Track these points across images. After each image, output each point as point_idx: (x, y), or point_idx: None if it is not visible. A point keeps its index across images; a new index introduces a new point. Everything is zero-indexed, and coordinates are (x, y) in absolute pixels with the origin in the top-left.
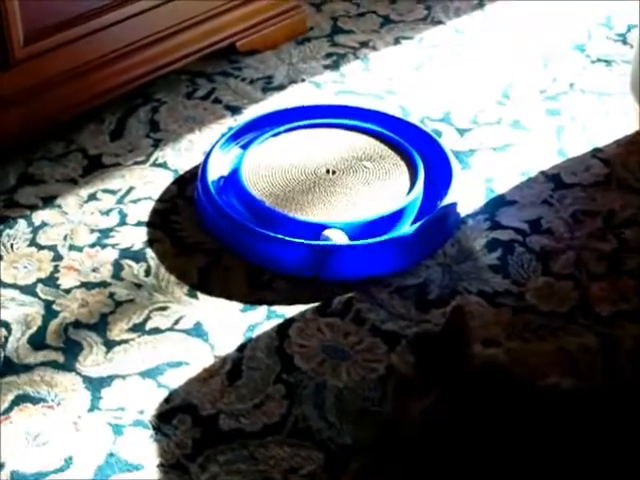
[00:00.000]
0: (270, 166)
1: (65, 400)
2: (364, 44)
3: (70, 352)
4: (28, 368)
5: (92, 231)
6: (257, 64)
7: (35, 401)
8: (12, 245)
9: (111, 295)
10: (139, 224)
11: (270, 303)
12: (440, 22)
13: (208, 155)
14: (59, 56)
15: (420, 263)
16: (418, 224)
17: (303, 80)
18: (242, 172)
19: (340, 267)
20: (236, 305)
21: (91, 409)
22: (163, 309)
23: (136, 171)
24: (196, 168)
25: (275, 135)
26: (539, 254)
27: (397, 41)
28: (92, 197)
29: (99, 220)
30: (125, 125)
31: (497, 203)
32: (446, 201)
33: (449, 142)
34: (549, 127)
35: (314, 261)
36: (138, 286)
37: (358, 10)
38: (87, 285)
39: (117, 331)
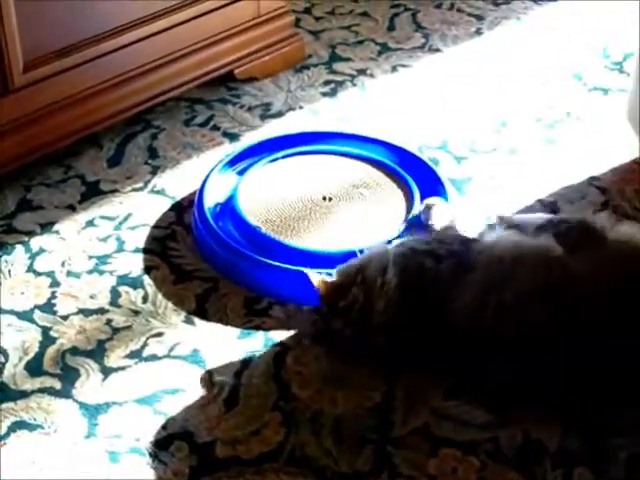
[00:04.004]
0: (266, 192)
1: (61, 427)
2: (362, 72)
3: (67, 379)
4: (25, 394)
5: (90, 257)
6: (255, 91)
7: (32, 428)
8: (10, 271)
9: (108, 322)
10: (137, 251)
11: (267, 330)
12: (438, 50)
13: (205, 181)
14: (58, 83)
15: None
16: None
17: (301, 107)
18: (238, 198)
19: None
20: (233, 332)
21: (87, 436)
22: (160, 336)
23: (134, 198)
24: (194, 195)
25: (272, 162)
26: None
27: (395, 69)
28: (90, 223)
29: (97, 246)
30: (124, 152)
31: None
32: None
33: (446, 170)
34: (545, 155)
35: (310, 287)
36: (135, 313)
37: (356, 38)
38: (84, 311)
39: (114, 358)
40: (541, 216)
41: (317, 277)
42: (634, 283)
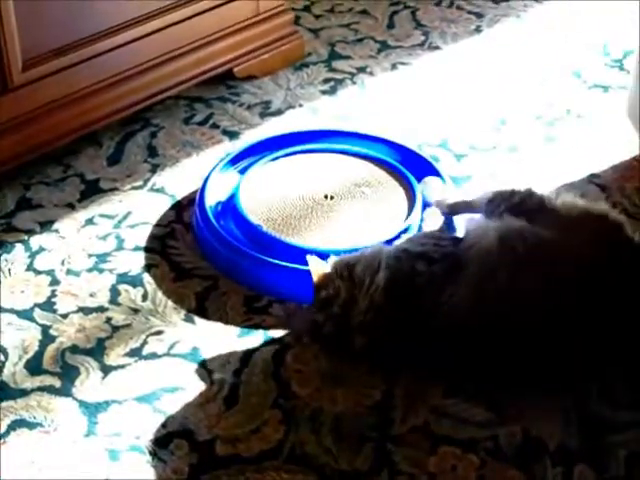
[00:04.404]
0: (268, 191)
1: (61, 425)
2: (361, 69)
3: (67, 377)
4: (25, 393)
5: (89, 256)
6: (255, 89)
7: (32, 426)
8: (10, 270)
9: (108, 320)
10: (136, 249)
11: (267, 328)
12: (437, 48)
13: (206, 180)
14: (57, 81)
15: None
16: None
17: (300, 105)
18: (240, 197)
19: None
20: (233, 330)
21: (87, 434)
22: (160, 334)
23: (134, 196)
24: (194, 193)
25: (273, 160)
26: None
27: (394, 67)
28: (89, 222)
29: (96, 245)
30: (123, 150)
31: None
32: None
33: (446, 168)
34: (545, 153)
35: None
36: (135, 311)
37: (356, 36)
38: (84, 310)
39: (114, 356)
40: (483, 195)
41: (315, 263)
42: (612, 253)
